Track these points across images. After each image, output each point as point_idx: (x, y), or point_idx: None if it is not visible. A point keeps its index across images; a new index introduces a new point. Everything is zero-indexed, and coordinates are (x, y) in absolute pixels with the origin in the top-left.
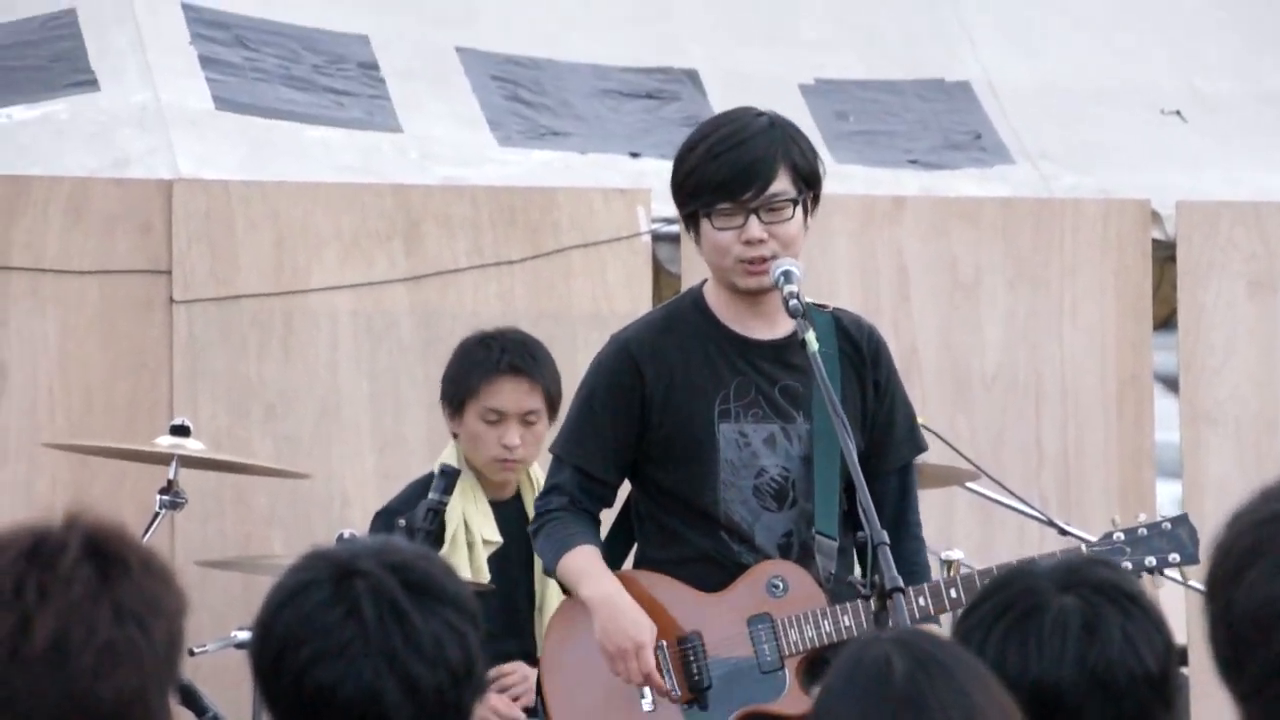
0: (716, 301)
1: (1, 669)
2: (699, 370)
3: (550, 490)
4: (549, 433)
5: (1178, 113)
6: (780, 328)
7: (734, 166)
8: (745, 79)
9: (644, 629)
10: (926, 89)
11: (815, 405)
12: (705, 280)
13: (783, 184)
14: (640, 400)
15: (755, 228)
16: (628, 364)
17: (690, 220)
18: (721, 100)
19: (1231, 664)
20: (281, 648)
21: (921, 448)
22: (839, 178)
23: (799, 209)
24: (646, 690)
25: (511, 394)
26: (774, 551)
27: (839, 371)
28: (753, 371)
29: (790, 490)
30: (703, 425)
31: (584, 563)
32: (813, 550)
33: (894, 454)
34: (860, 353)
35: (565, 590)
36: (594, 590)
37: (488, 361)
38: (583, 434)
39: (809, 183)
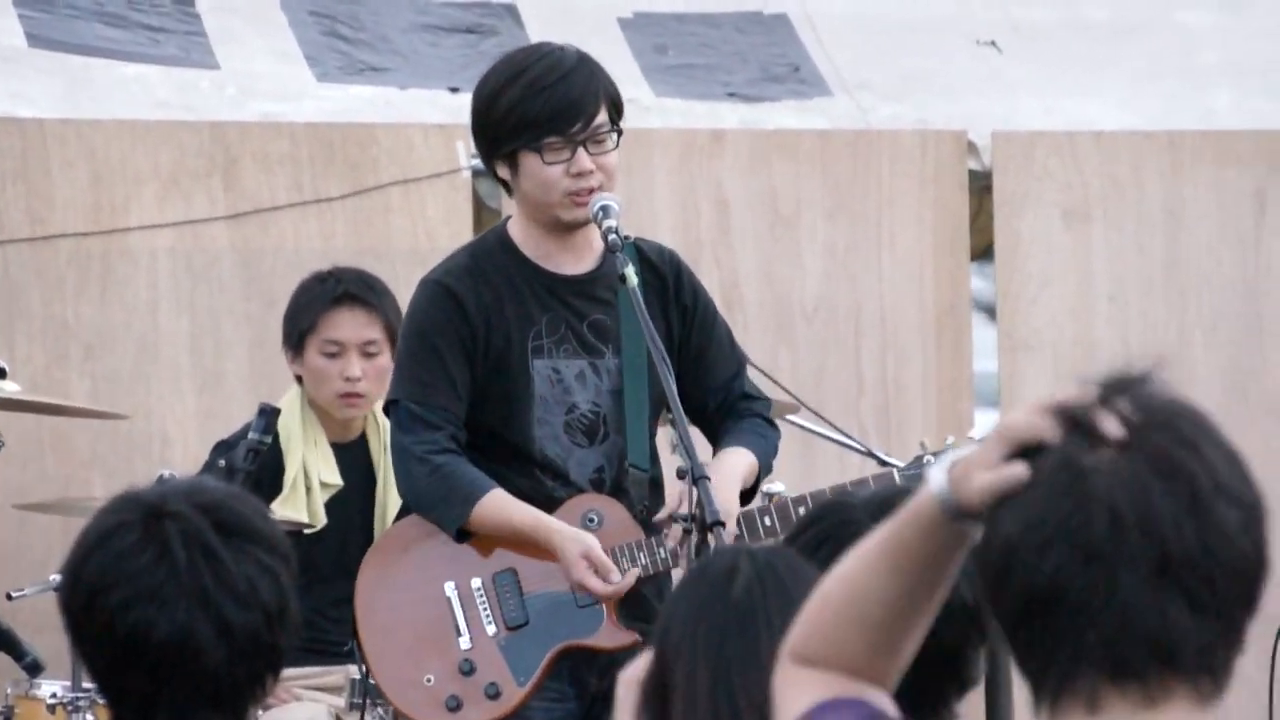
0: (523, 238)
1: None
2: (511, 308)
3: (409, 430)
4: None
5: (993, 43)
6: (586, 262)
7: (561, 100)
8: (564, 13)
9: (582, 538)
10: (745, 21)
11: (625, 338)
12: (508, 218)
13: (603, 115)
14: (470, 335)
15: (585, 159)
16: (452, 302)
17: (507, 159)
18: (540, 34)
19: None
20: (92, 592)
21: (742, 359)
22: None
23: (617, 140)
24: (464, 627)
25: (350, 324)
26: (588, 487)
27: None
28: (562, 307)
29: (601, 425)
30: (517, 362)
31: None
32: (625, 484)
33: (720, 369)
34: (663, 280)
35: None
36: (536, 520)
37: (324, 294)
38: (427, 373)
39: (620, 113)
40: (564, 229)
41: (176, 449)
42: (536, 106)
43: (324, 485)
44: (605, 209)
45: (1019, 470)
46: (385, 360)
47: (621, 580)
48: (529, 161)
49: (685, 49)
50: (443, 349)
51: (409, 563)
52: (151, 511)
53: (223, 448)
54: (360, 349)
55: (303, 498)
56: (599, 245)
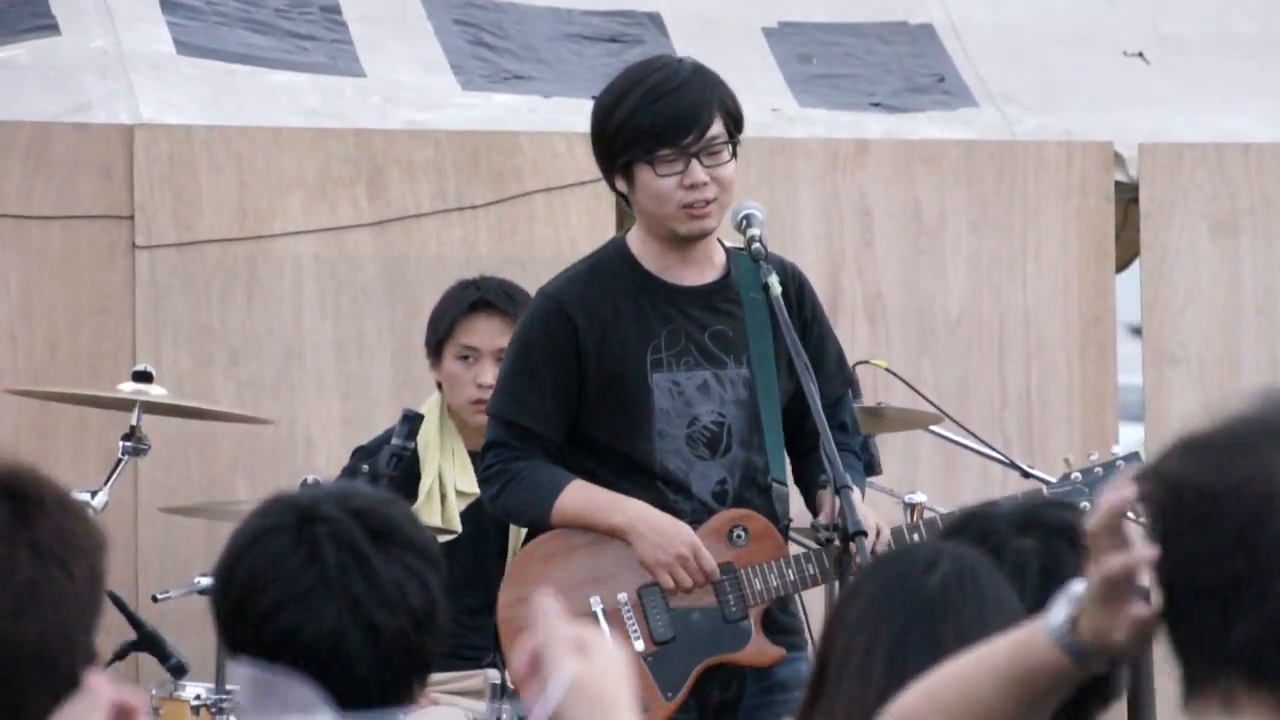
0: (642, 250)
1: None
2: (629, 320)
3: (494, 446)
4: None
5: (1140, 54)
6: (707, 273)
7: (673, 112)
8: (708, 22)
9: (687, 529)
10: (890, 31)
11: (754, 350)
12: (627, 231)
13: (718, 127)
14: (576, 354)
15: (698, 171)
16: (561, 318)
17: (623, 171)
18: (685, 44)
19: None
20: (243, 593)
21: (850, 382)
22: (802, 121)
23: (733, 151)
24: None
25: (485, 330)
26: (710, 499)
27: (767, 314)
28: (682, 319)
29: (725, 436)
30: (636, 375)
31: (591, 495)
32: (745, 497)
33: (825, 390)
34: (787, 294)
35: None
36: (623, 514)
37: (463, 300)
38: (521, 390)
39: (737, 127)
40: (682, 242)
41: (320, 454)
42: (649, 118)
43: (460, 494)
44: (749, 218)
45: (1146, 553)
46: None
47: (710, 579)
48: (643, 174)
49: (829, 59)
50: (541, 366)
51: (552, 577)
52: (303, 515)
53: (362, 453)
54: (494, 356)
55: (438, 505)
56: (720, 257)
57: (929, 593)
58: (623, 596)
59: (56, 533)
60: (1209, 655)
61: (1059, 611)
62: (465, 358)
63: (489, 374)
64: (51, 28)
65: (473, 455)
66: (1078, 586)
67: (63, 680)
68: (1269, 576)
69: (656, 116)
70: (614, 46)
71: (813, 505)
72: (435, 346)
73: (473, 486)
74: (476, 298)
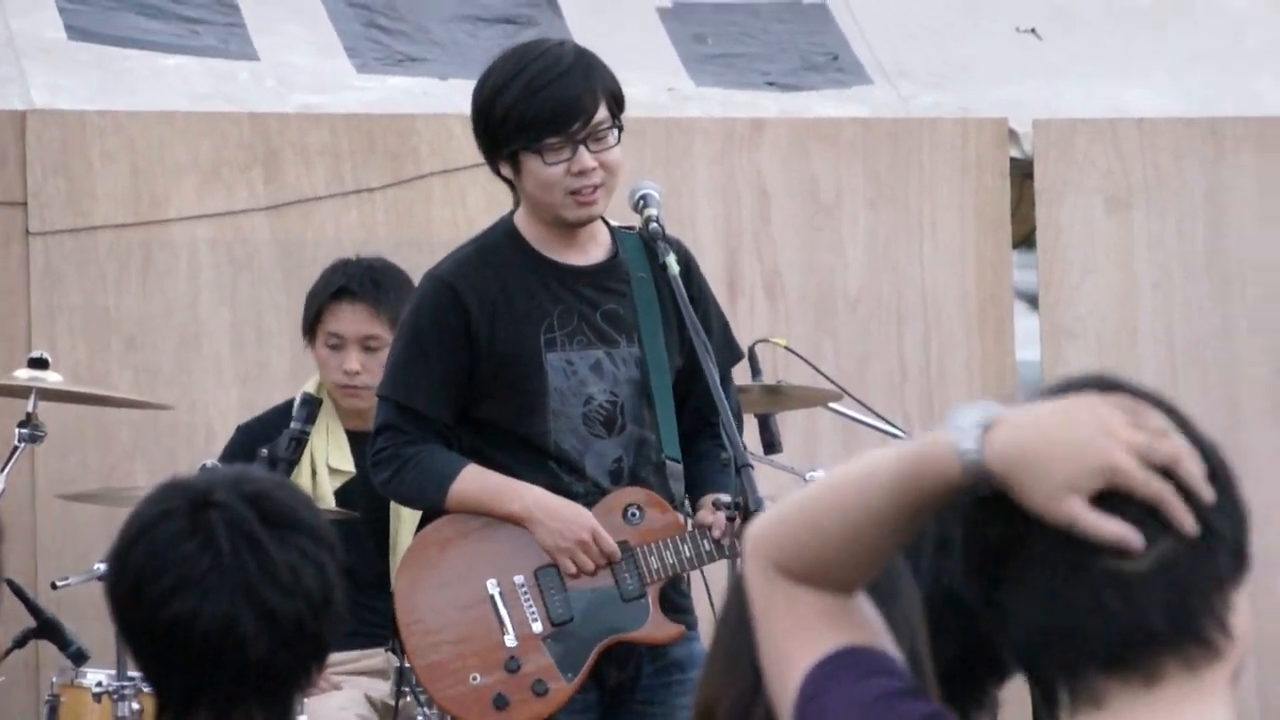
0: (530, 231)
1: None
2: (521, 301)
3: (386, 430)
4: None
5: (1033, 30)
6: (595, 253)
7: (559, 100)
8: (602, 2)
9: (585, 513)
10: (783, 10)
11: (644, 329)
12: (513, 211)
13: (603, 112)
14: (467, 335)
15: (586, 158)
16: (451, 299)
17: (508, 159)
18: (579, 24)
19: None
20: (137, 580)
21: (737, 356)
22: (697, 100)
23: (618, 135)
24: (509, 624)
25: (349, 318)
26: (604, 478)
27: (655, 293)
28: (574, 298)
29: (619, 415)
30: (530, 356)
31: (486, 481)
32: (641, 475)
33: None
34: (683, 272)
35: (425, 521)
36: (519, 500)
37: (330, 286)
38: (412, 373)
39: (620, 107)
40: (570, 227)
41: (219, 440)
42: (535, 107)
43: (334, 471)
44: (646, 198)
45: (1135, 541)
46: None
47: (612, 560)
48: (530, 162)
49: (725, 38)
50: (433, 348)
51: (449, 562)
52: (196, 500)
53: (246, 431)
54: (359, 343)
55: (308, 479)
56: (605, 236)
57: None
58: (519, 579)
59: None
60: (1063, 663)
61: (969, 420)
62: (333, 345)
63: (354, 361)
64: None
65: (351, 435)
66: (992, 408)
67: None
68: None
69: (542, 106)
70: (509, 28)
71: (694, 489)
72: (308, 330)
73: (347, 465)
74: (341, 284)
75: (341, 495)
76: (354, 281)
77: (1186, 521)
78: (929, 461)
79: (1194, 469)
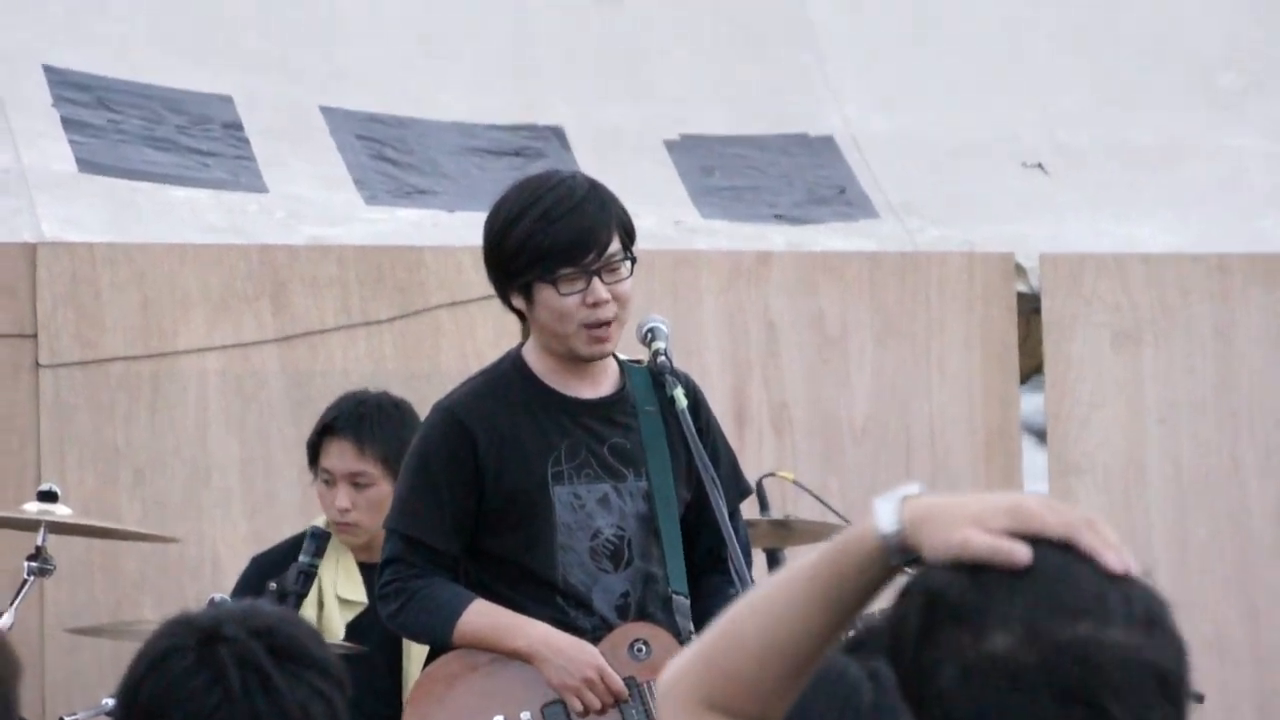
0: (538, 364)
1: None
2: (529, 434)
3: (392, 562)
4: None
5: (1039, 165)
6: (603, 386)
7: (574, 231)
8: (610, 135)
9: (592, 650)
10: (790, 144)
11: (651, 463)
12: (521, 344)
13: (616, 243)
14: (475, 467)
15: (600, 289)
16: (459, 431)
17: (521, 290)
18: (587, 157)
19: None
20: (146, 716)
21: (745, 491)
22: (705, 233)
23: (631, 266)
24: None
25: (337, 456)
26: (611, 614)
27: (663, 427)
28: (581, 431)
29: (626, 550)
30: (537, 489)
31: (493, 617)
32: (648, 610)
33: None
34: (691, 407)
35: (433, 655)
36: (525, 638)
37: (323, 423)
38: (419, 505)
39: (631, 238)
40: (582, 361)
41: (228, 573)
42: (549, 239)
43: (344, 602)
44: (654, 331)
45: (1021, 552)
46: (378, 492)
47: (620, 698)
48: (544, 293)
49: (731, 171)
50: (441, 480)
51: (456, 698)
52: (206, 635)
53: (261, 562)
54: (348, 480)
55: (314, 611)
56: (613, 369)
57: (865, 710)
58: (526, 715)
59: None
60: None
61: (888, 501)
62: (325, 480)
63: (344, 498)
64: None
65: (363, 566)
66: (913, 487)
67: None
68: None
69: (557, 237)
70: (517, 161)
71: (702, 624)
72: (310, 464)
73: (359, 595)
74: (329, 421)
75: (353, 627)
76: (340, 419)
77: (1111, 559)
78: (850, 541)
79: (1108, 533)
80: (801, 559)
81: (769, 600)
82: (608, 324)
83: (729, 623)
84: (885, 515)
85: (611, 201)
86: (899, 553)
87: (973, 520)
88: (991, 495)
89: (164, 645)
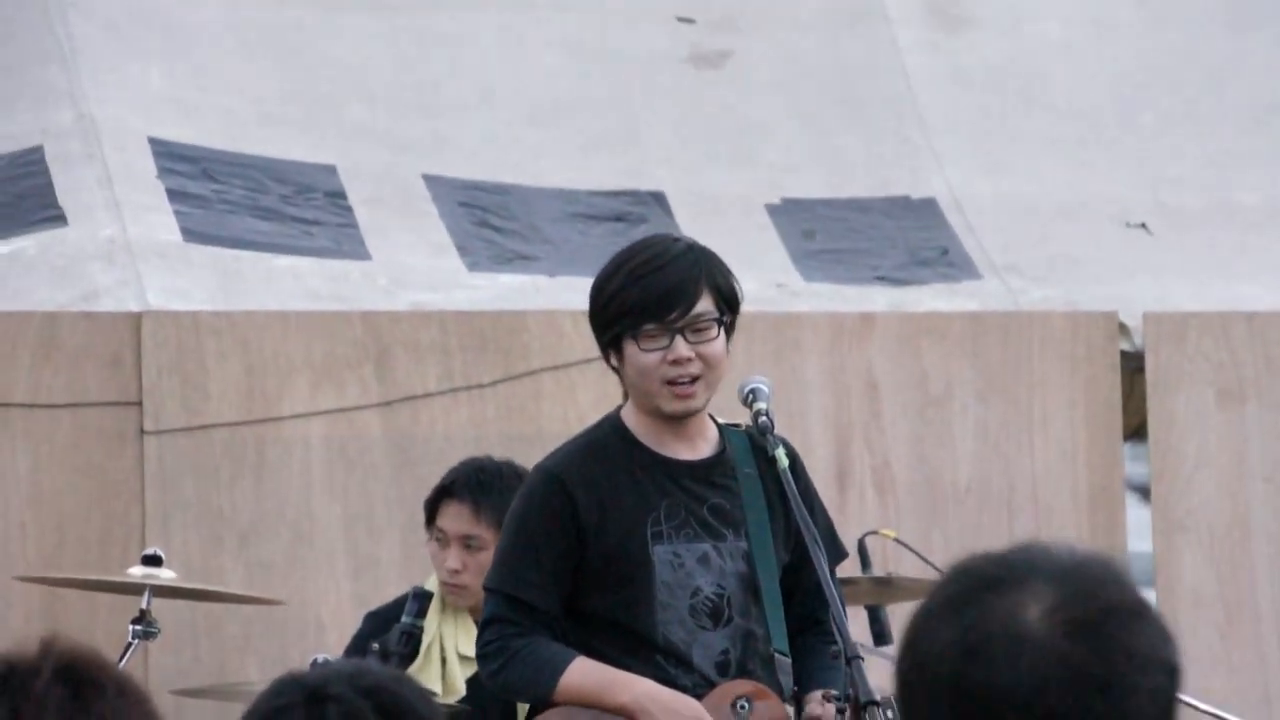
0: (637, 425)
1: None
2: (628, 495)
3: (493, 622)
4: None
5: (1143, 225)
6: (701, 448)
7: (659, 287)
8: (711, 200)
9: (696, 704)
10: (892, 206)
11: (751, 523)
12: (621, 406)
13: (706, 304)
14: (576, 527)
15: (682, 347)
16: (560, 492)
17: (612, 345)
18: (689, 221)
19: None
20: None
21: (842, 555)
22: (807, 295)
23: (722, 329)
24: None
25: (452, 516)
26: (711, 671)
27: (762, 489)
28: (680, 492)
29: (726, 608)
30: (638, 549)
31: (596, 673)
32: (748, 667)
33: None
34: (792, 467)
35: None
36: (629, 693)
37: (442, 485)
38: (519, 565)
39: (730, 305)
40: (670, 419)
41: (331, 634)
42: (635, 293)
43: (463, 658)
44: (755, 392)
45: None
46: (489, 556)
47: None
48: (629, 348)
49: (833, 234)
50: (540, 540)
51: None
52: (313, 695)
53: (374, 618)
54: (461, 542)
55: (437, 668)
56: (712, 433)
57: None
58: None
59: (114, 717)
60: None
61: None
62: (439, 540)
63: (455, 559)
64: (59, 219)
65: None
66: None
67: None
68: None
69: (643, 292)
70: (618, 225)
71: (803, 683)
72: (427, 525)
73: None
74: (447, 484)
75: (473, 684)
76: (459, 482)
77: None
78: None
79: None
80: None
81: None
82: (692, 380)
83: None
84: None
85: (707, 261)
86: None
87: None
88: None
89: (271, 705)
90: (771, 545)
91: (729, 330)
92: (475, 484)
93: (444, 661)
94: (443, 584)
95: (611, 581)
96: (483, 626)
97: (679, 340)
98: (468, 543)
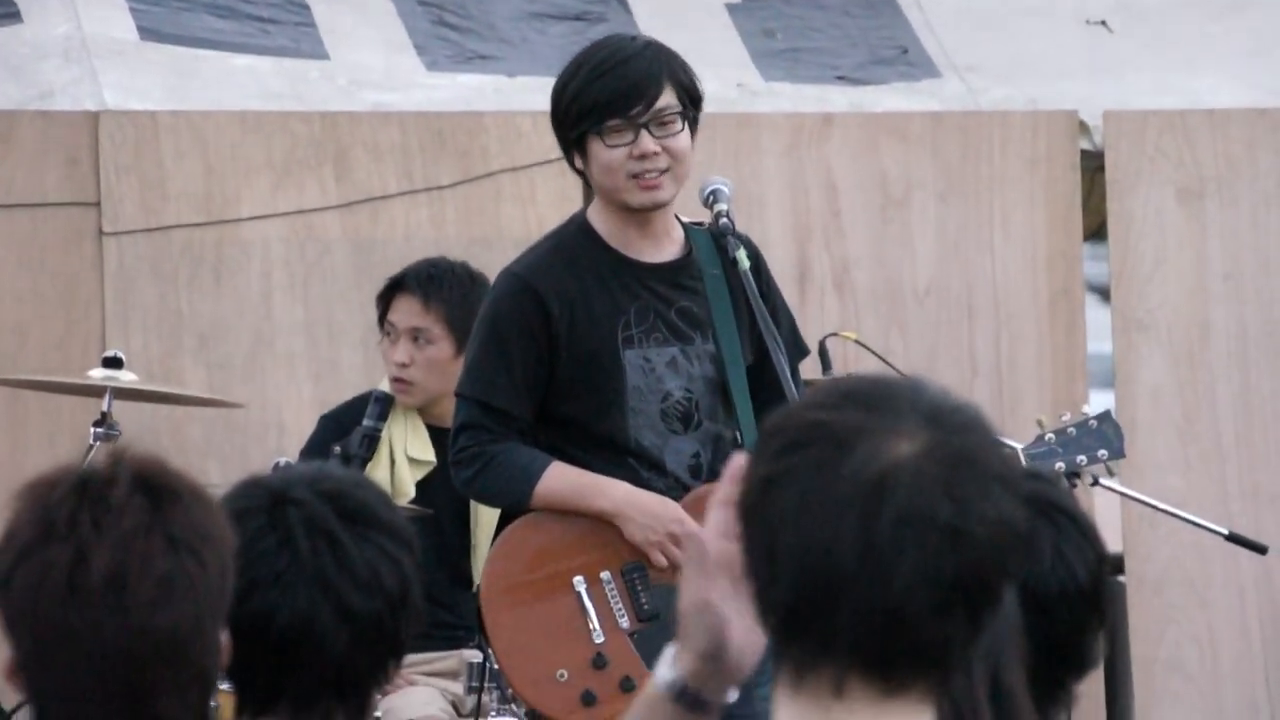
0: (604, 226)
1: (59, 603)
2: (598, 298)
3: (466, 428)
4: (455, 362)
5: (1103, 22)
6: (667, 250)
7: (621, 82)
8: None
9: (674, 506)
10: (852, 5)
11: (719, 325)
12: (587, 206)
13: (669, 98)
14: (547, 333)
15: (648, 141)
16: (530, 297)
17: (577, 145)
18: (648, 20)
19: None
20: None
21: (804, 352)
22: (766, 95)
23: (686, 124)
24: (595, 621)
25: (403, 310)
26: (684, 474)
27: (727, 289)
28: (649, 295)
29: (695, 411)
30: (609, 353)
31: (572, 478)
32: (719, 469)
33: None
34: (754, 268)
35: (505, 518)
36: (607, 497)
37: (391, 279)
38: (491, 371)
39: (693, 100)
40: (637, 215)
41: (292, 437)
42: (597, 91)
43: (414, 461)
44: (716, 193)
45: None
46: (438, 351)
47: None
48: (594, 146)
49: (793, 33)
50: (512, 345)
51: (533, 559)
52: (274, 498)
53: (329, 420)
54: (409, 334)
55: (386, 470)
56: (679, 233)
57: None
58: (605, 575)
59: (191, 525)
60: (818, 643)
61: (665, 667)
62: (388, 334)
63: (402, 352)
64: (14, 15)
65: (432, 429)
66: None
67: (191, 671)
68: (880, 567)
69: (604, 88)
70: (578, 25)
71: None
72: (379, 324)
73: (427, 454)
74: (399, 278)
75: (422, 488)
76: (411, 275)
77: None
78: (651, 699)
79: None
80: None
81: None
82: (659, 173)
83: None
84: (663, 675)
85: (668, 58)
86: (685, 695)
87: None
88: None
89: (233, 507)
90: (739, 346)
91: (693, 125)
92: (426, 277)
93: (393, 463)
94: (391, 380)
95: (582, 386)
96: (455, 433)
97: (644, 135)
98: (416, 335)
